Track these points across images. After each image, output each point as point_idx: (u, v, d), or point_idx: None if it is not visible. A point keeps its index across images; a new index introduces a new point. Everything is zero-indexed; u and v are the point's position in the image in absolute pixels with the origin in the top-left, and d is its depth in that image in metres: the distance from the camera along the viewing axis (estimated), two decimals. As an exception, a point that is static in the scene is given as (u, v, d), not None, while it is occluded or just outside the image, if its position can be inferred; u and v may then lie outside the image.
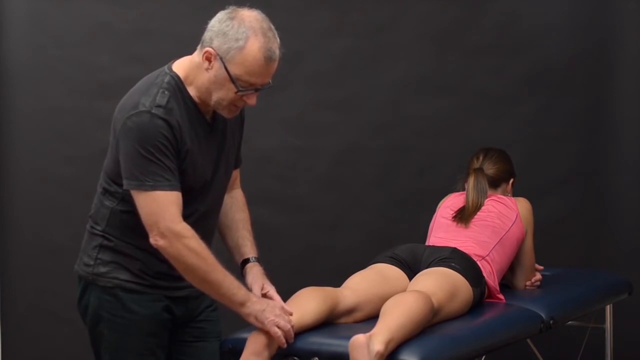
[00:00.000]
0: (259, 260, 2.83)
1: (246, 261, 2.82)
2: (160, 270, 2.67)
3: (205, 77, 2.60)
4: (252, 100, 2.61)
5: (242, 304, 2.63)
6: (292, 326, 2.68)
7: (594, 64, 4.66)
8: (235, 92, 2.58)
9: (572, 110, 4.68)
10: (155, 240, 2.56)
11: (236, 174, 2.90)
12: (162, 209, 2.55)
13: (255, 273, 2.79)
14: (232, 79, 2.56)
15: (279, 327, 2.65)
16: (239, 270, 2.83)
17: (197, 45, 2.65)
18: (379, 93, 4.67)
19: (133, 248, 2.65)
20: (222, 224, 2.86)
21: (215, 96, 2.60)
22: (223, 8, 2.63)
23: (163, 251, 2.58)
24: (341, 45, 4.64)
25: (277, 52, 2.58)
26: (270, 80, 2.61)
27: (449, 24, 4.66)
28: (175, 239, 2.55)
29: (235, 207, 2.88)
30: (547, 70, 4.67)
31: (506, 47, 4.67)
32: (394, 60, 4.66)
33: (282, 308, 2.69)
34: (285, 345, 2.68)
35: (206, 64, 2.58)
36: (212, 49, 2.56)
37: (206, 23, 2.62)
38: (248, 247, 2.83)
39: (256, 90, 2.60)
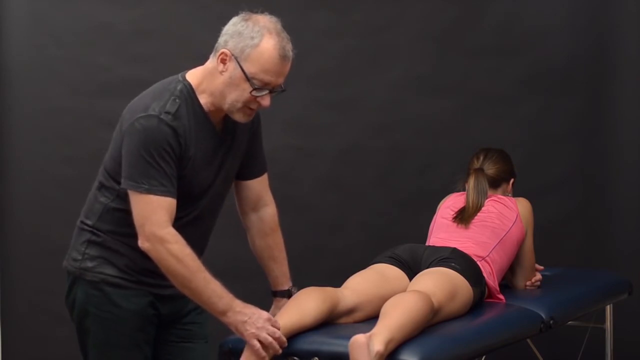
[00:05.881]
0: (288, 290, 2.91)
1: (273, 294, 2.93)
2: (146, 267, 2.68)
3: (219, 81, 2.62)
4: (266, 102, 2.64)
5: (223, 313, 2.63)
6: (278, 337, 2.64)
7: (594, 64, 4.67)
8: (250, 92, 2.60)
9: (572, 111, 4.68)
10: (142, 242, 2.60)
11: (264, 185, 2.94)
12: (151, 212, 2.58)
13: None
14: (248, 78, 2.59)
15: (259, 340, 2.62)
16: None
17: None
18: (379, 93, 4.67)
19: (120, 244, 2.68)
20: (255, 252, 2.91)
21: (230, 98, 2.62)
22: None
23: (149, 254, 2.61)
24: (341, 45, 4.64)
25: (291, 53, 2.64)
26: (282, 85, 2.64)
27: (449, 24, 4.66)
28: (158, 244, 2.58)
29: (263, 232, 2.90)
30: (547, 70, 4.67)
31: (506, 48, 4.67)
32: (394, 60, 4.66)
33: (268, 319, 2.65)
34: (265, 358, 2.64)
35: (221, 66, 2.61)
36: (228, 50, 2.59)
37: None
38: (271, 278, 2.92)
39: (270, 91, 2.63)
